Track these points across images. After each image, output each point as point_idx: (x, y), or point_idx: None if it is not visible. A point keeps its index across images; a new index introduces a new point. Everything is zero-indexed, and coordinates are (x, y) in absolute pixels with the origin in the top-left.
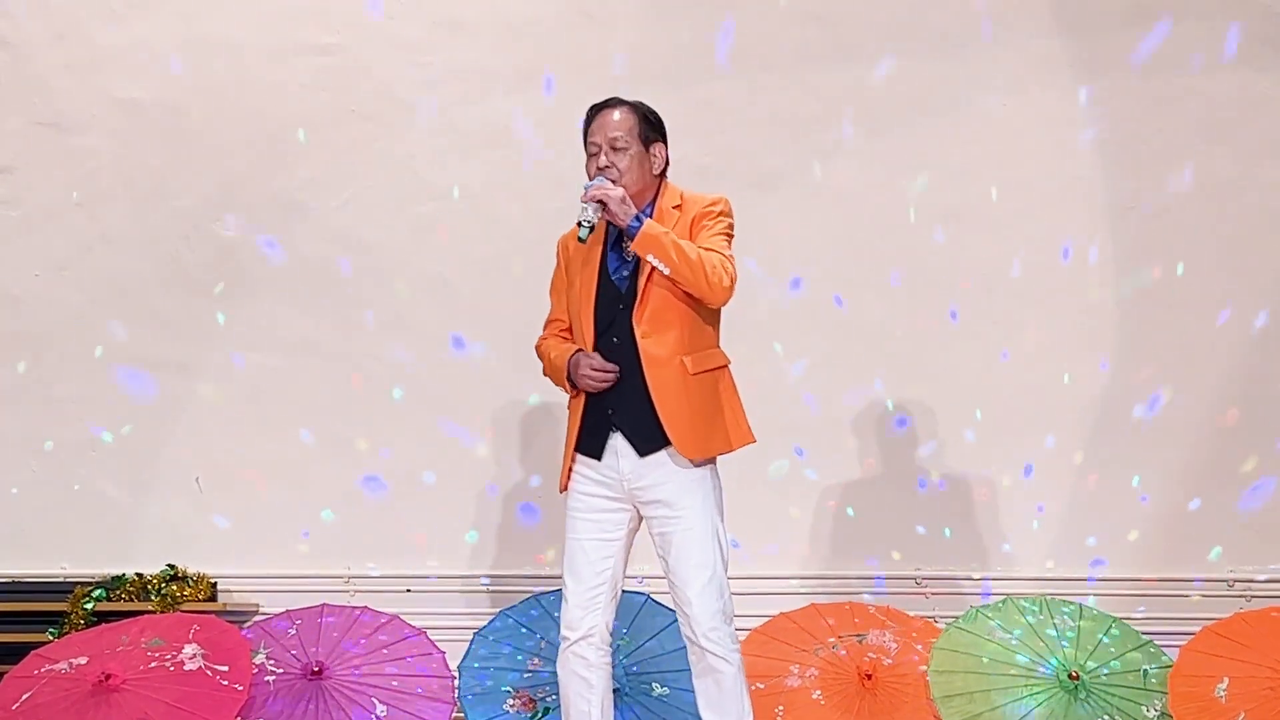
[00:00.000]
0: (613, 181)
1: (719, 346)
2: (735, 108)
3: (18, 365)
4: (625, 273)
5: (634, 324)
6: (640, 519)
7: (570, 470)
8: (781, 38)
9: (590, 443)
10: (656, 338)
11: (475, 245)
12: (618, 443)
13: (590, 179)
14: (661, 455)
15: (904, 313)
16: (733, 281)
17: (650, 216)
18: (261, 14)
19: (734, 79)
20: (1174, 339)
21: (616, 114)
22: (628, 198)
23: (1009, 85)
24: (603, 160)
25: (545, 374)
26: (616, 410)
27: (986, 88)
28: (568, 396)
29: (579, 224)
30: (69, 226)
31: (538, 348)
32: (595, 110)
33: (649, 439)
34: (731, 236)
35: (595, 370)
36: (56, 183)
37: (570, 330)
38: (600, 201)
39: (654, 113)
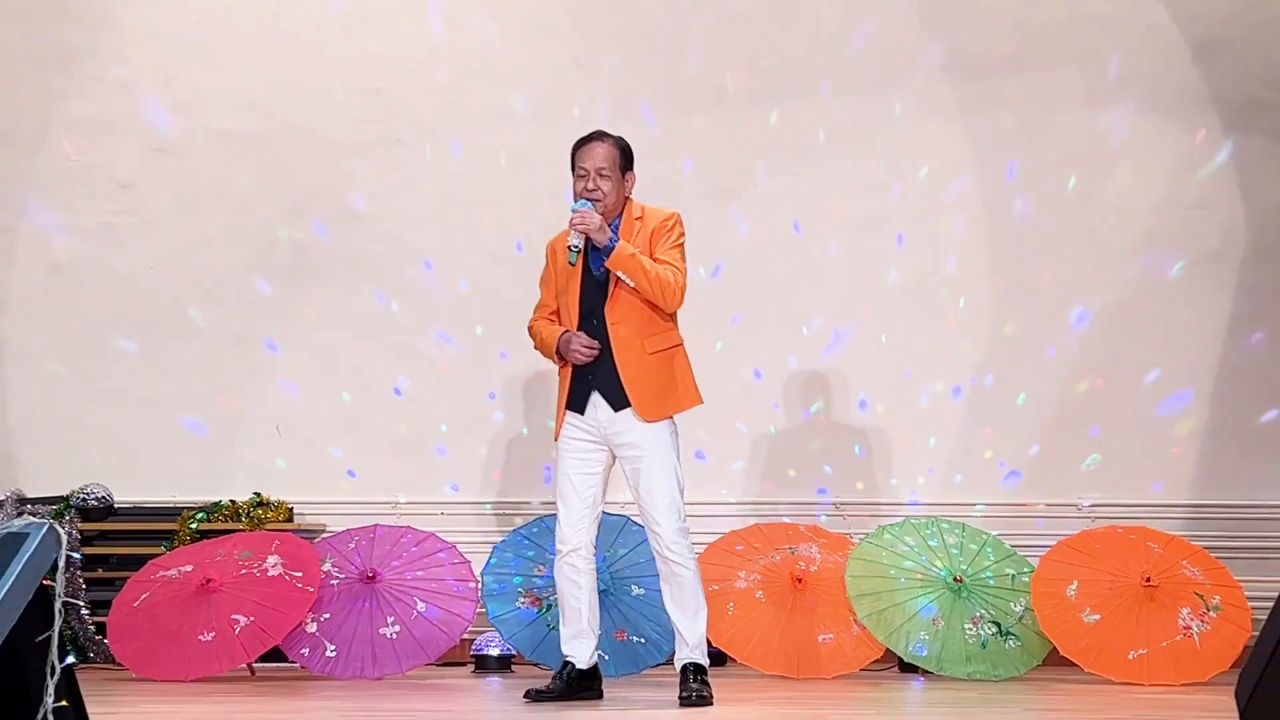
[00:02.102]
0: (598, 201)
1: (675, 329)
2: (697, 136)
3: (137, 339)
4: (603, 270)
5: (606, 314)
6: (615, 458)
7: (561, 423)
8: (734, 81)
9: (576, 400)
10: (623, 325)
11: (493, 245)
12: (597, 400)
13: (576, 197)
14: (629, 411)
15: (830, 295)
16: (683, 291)
17: (618, 227)
18: (327, 62)
19: (695, 114)
20: (1044, 307)
21: (603, 147)
22: (604, 224)
23: (910, 119)
24: (590, 184)
25: (536, 348)
26: (595, 376)
27: (897, 120)
28: (556, 367)
29: (569, 248)
30: (176, 230)
31: (530, 328)
32: (584, 141)
33: (619, 399)
34: (683, 244)
35: (584, 347)
36: (166, 196)
37: (557, 314)
38: (587, 229)
39: (629, 146)
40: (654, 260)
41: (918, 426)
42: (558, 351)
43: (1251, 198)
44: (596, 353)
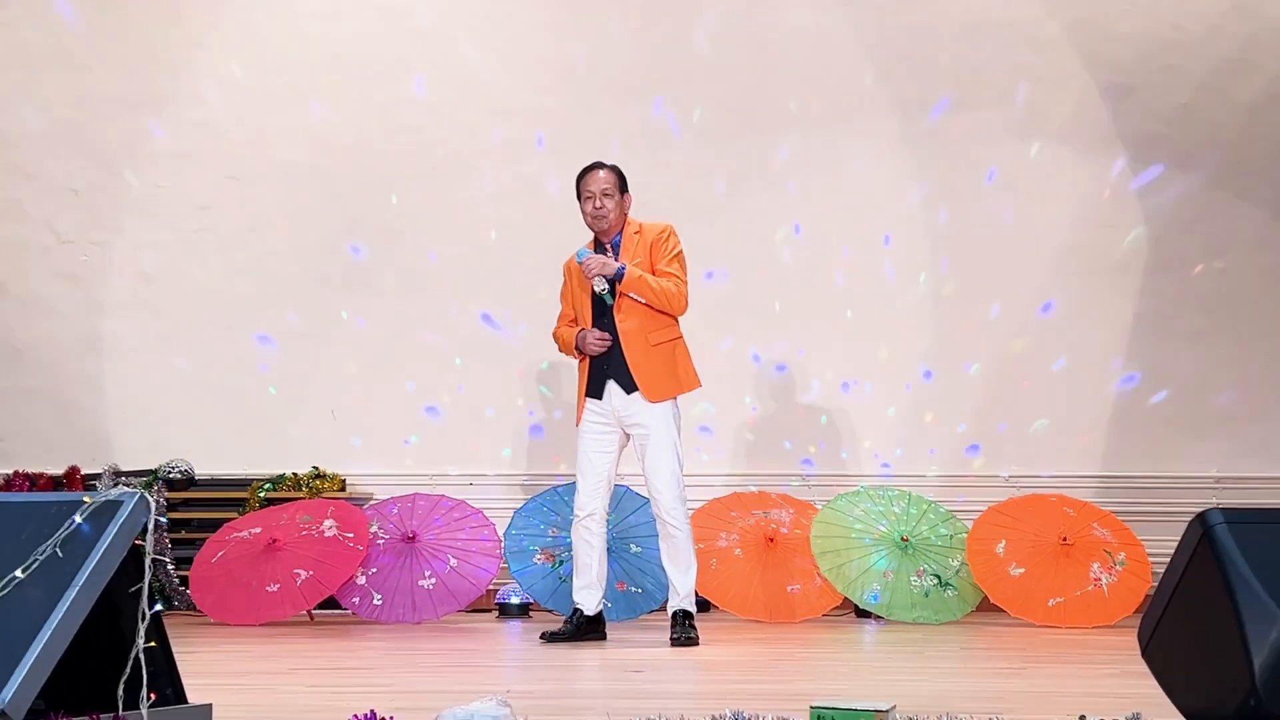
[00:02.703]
0: (604, 217)
1: (676, 324)
2: (682, 166)
3: (213, 337)
4: (609, 283)
5: (614, 314)
6: (627, 437)
7: (582, 409)
8: (718, 118)
9: (594, 387)
10: (630, 323)
11: (514, 258)
12: (612, 386)
13: (584, 217)
14: (638, 394)
15: (799, 298)
16: (686, 298)
17: (620, 240)
18: (375, 105)
19: (685, 145)
20: (978, 311)
21: (604, 172)
22: (608, 260)
23: (862, 151)
24: (597, 203)
25: (560, 350)
26: (609, 366)
27: (852, 157)
28: (575, 362)
29: (599, 294)
30: (247, 245)
31: (555, 334)
32: (588, 170)
33: (629, 385)
34: (681, 253)
35: (596, 340)
36: (238, 217)
37: (575, 320)
38: (601, 273)
39: (623, 172)
40: (657, 274)
41: (872, 410)
42: (576, 347)
43: (1152, 218)
44: (608, 344)
